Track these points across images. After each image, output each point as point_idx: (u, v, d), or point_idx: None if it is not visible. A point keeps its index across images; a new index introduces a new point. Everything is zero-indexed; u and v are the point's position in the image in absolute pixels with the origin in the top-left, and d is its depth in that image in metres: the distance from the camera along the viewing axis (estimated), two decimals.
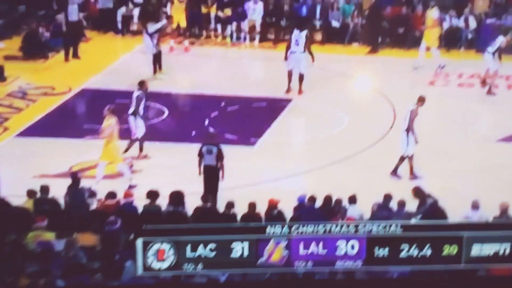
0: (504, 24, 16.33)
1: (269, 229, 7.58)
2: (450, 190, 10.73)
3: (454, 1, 17.62)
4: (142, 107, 11.75)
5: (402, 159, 11.41)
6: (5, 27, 17.20)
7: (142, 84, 11.90)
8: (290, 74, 14.34)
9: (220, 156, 10.61)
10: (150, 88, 12.35)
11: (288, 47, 14.33)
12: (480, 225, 8.28)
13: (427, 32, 15.57)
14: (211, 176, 10.64)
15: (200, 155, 10.69)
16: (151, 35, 15.04)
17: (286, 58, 14.34)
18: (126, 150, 11.80)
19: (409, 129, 11.25)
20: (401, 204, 9.48)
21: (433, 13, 15.62)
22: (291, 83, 14.39)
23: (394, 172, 11.48)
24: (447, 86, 15.19)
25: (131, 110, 11.78)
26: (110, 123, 10.97)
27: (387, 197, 9.54)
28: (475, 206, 9.50)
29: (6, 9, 17.67)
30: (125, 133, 11.79)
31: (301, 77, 14.34)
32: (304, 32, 14.22)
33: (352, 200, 9.65)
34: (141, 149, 11.96)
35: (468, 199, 9.69)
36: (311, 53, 14.38)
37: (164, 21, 15.51)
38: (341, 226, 7.68)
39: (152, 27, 15.19)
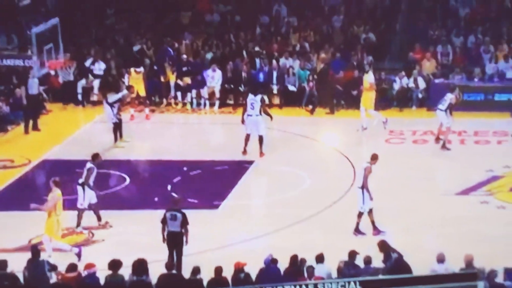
0: (452, 82, 16.83)
1: None
2: (414, 245, 10.59)
3: (403, 63, 18.16)
4: (92, 179, 11.52)
5: (360, 215, 11.36)
6: None
7: (95, 157, 11.73)
8: (247, 137, 14.37)
9: (184, 222, 10.31)
10: (111, 156, 12.11)
11: (244, 111, 14.42)
12: (439, 278, 8.11)
13: (364, 95, 15.81)
14: (176, 242, 10.29)
15: (164, 221, 10.37)
16: (111, 105, 14.97)
17: (243, 122, 14.40)
18: (78, 223, 11.49)
19: (363, 186, 11.27)
20: (367, 260, 9.29)
21: (368, 77, 15.91)
22: (247, 146, 14.38)
23: (357, 229, 11.37)
24: (402, 144, 15.38)
25: (80, 181, 11.55)
26: (53, 195, 10.60)
27: (352, 254, 9.34)
28: (440, 259, 9.35)
29: None
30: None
31: (260, 139, 14.34)
32: (259, 96, 14.37)
33: (319, 259, 9.41)
34: (98, 219, 11.63)
35: (432, 253, 9.56)
36: (268, 114, 14.50)
37: (124, 91, 15.47)
38: (300, 287, 7.43)
39: (112, 97, 15.13)
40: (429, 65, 18.01)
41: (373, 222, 11.34)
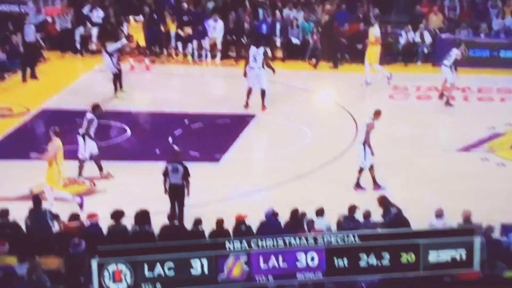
0: (458, 37, 16.80)
1: (228, 245, 7.48)
2: (414, 200, 10.83)
3: (410, 17, 18.04)
4: (93, 130, 11.59)
5: (360, 171, 11.56)
6: None
7: (95, 107, 11.75)
8: (249, 91, 14.43)
9: (186, 174, 10.50)
10: (112, 107, 12.14)
11: (246, 64, 14.42)
12: (436, 232, 8.38)
13: (369, 49, 15.81)
14: (177, 194, 10.50)
15: (166, 173, 10.55)
16: (110, 54, 14.92)
17: (245, 75, 14.41)
18: (80, 173, 11.63)
19: (365, 142, 11.43)
20: (367, 214, 9.55)
21: (374, 31, 15.89)
22: (249, 99, 14.45)
23: (357, 185, 11.60)
24: (406, 99, 15.47)
25: (81, 131, 11.61)
26: (53, 145, 10.73)
27: (352, 208, 9.59)
28: (439, 214, 9.63)
29: None
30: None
31: (262, 93, 14.41)
32: (261, 49, 14.36)
33: (319, 212, 9.67)
34: (100, 169, 11.78)
35: (431, 208, 9.83)
36: (270, 67, 14.51)
37: (123, 40, 15.41)
38: (300, 239, 7.67)
39: (111, 46, 15.06)
40: (435, 19, 17.96)
41: (373, 178, 11.57)
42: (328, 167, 12.27)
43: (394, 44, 17.50)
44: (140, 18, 17.00)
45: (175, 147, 12.53)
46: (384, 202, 9.64)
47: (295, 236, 7.88)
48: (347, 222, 9.44)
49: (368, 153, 11.44)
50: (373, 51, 15.77)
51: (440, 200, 10.54)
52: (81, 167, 11.69)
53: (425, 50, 17.41)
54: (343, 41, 17.37)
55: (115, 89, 15.10)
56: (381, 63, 16.16)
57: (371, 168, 11.54)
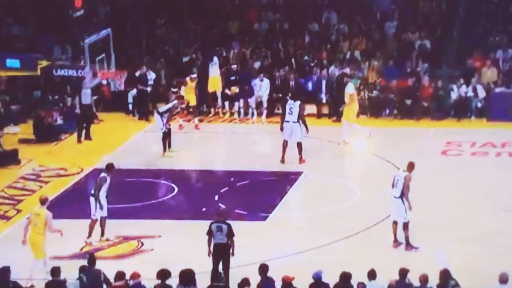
0: None
1: None
2: (471, 262, 10.38)
3: (461, 71, 17.75)
4: (104, 190, 11.54)
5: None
6: (20, 112, 17.63)
7: (109, 167, 11.78)
8: (284, 144, 14.37)
9: (230, 233, 10.41)
10: (160, 166, 12.31)
11: (283, 118, 14.42)
12: None
13: (346, 108, 15.43)
14: (222, 254, 10.39)
15: (210, 233, 10.49)
16: (161, 115, 15.27)
17: (281, 129, 14.41)
18: (90, 234, 11.56)
19: (403, 196, 11.15)
20: (424, 279, 9.08)
21: (348, 89, 15.49)
22: (285, 153, 14.38)
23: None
24: (460, 156, 15.07)
25: (92, 191, 11.63)
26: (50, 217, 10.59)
27: (403, 272, 9.23)
28: (503, 280, 8.92)
29: (22, 95, 18.19)
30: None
31: (298, 146, 14.34)
32: (298, 102, 14.35)
33: (372, 275, 9.26)
34: (102, 233, 11.62)
35: (490, 272, 9.32)
36: (305, 124, 14.38)
37: (174, 101, 15.81)
38: None
39: (162, 108, 15.44)
40: (489, 73, 17.57)
41: (407, 237, 11.19)
42: (377, 227, 11.96)
43: (446, 98, 17.22)
44: (196, 76, 17.41)
45: (220, 206, 12.58)
46: (445, 274, 9.09)
47: None
48: (401, 285, 9.08)
49: (407, 206, 11.13)
50: (349, 110, 15.31)
51: (500, 263, 10.02)
52: (91, 228, 11.51)
53: (479, 105, 17.05)
54: (391, 96, 17.32)
55: (164, 148, 15.39)
56: (432, 118, 15.89)
57: (405, 227, 11.16)
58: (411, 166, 11.40)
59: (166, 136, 15.38)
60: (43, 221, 10.57)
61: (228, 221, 10.59)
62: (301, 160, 14.34)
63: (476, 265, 10.38)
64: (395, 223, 11.33)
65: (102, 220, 11.63)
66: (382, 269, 9.49)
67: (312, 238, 11.75)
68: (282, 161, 14.39)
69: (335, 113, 17.12)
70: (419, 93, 17.34)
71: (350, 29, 19.26)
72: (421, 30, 18.86)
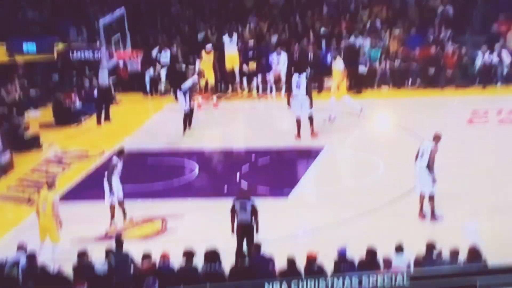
0: None
1: (267, 286, 7.21)
2: (498, 232, 10.26)
3: (486, 37, 17.35)
4: (117, 174, 11.52)
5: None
6: (39, 96, 17.72)
7: (121, 152, 11.79)
8: (298, 121, 14.17)
9: (254, 211, 10.40)
10: (181, 145, 12.22)
11: (289, 94, 14.17)
12: (495, 270, 7.76)
13: (334, 84, 15.06)
14: (246, 232, 10.39)
15: (233, 211, 10.48)
16: (184, 93, 15.15)
17: (289, 104, 14.16)
18: (112, 216, 11.58)
19: (430, 166, 11.01)
20: (454, 253, 8.87)
21: (336, 65, 15.11)
22: (300, 129, 14.19)
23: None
24: (487, 124, 14.80)
25: (106, 175, 11.62)
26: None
27: (431, 246, 9.12)
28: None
29: (40, 79, 18.26)
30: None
31: (310, 120, 14.15)
32: (304, 74, 14.15)
33: (398, 248, 9.19)
34: (124, 216, 11.62)
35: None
36: (310, 97, 14.10)
37: (194, 77, 15.70)
38: (344, 279, 7.28)
39: (184, 85, 15.30)
40: None
41: (433, 208, 11.07)
42: (402, 200, 11.81)
43: (470, 65, 16.88)
44: (210, 47, 17.26)
45: (243, 184, 12.56)
46: (473, 252, 8.76)
47: (338, 276, 7.43)
48: (428, 259, 8.97)
49: (433, 178, 10.98)
50: (339, 86, 14.91)
51: None
52: (113, 212, 11.54)
53: (505, 71, 16.73)
54: (414, 64, 17.02)
55: (184, 127, 15.38)
56: (457, 86, 15.63)
57: (432, 198, 11.05)
58: (437, 137, 11.24)
59: (188, 116, 15.27)
60: (50, 205, 10.62)
61: (251, 198, 10.57)
62: (312, 133, 14.14)
63: (505, 235, 10.22)
64: (421, 194, 11.21)
65: (120, 203, 11.66)
66: (408, 243, 9.40)
67: (336, 213, 11.67)
68: (298, 136, 14.20)
69: (356, 85, 16.91)
70: (442, 61, 17.02)
71: None
72: None
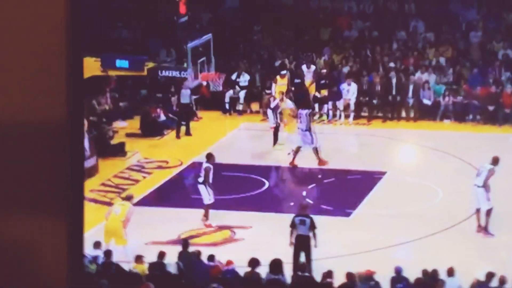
0: None
1: None
2: None
3: None
4: (210, 177, 11.76)
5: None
6: (128, 108, 18.33)
7: (209, 157, 12.04)
8: (297, 150, 14.21)
9: (312, 226, 10.39)
10: (252, 162, 12.32)
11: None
12: None
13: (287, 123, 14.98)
14: (304, 245, 10.37)
15: (293, 226, 10.50)
16: (273, 110, 15.43)
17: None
18: (206, 217, 11.76)
19: (485, 185, 10.99)
20: (502, 281, 8.67)
21: (286, 105, 15.08)
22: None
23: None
24: None
25: (200, 180, 11.84)
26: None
27: (490, 275, 8.77)
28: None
29: (129, 93, 18.91)
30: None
31: (314, 150, 14.24)
32: (305, 111, 14.30)
33: (450, 273, 9.02)
34: (206, 217, 11.82)
35: None
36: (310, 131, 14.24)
37: (277, 100, 15.81)
38: None
39: (273, 103, 15.64)
40: None
41: (487, 224, 11.04)
42: (458, 227, 11.54)
43: None
44: (285, 72, 17.45)
45: (304, 201, 12.47)
46: None
47: None
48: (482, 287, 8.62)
49: (488, 197, 10.90)
50: (290, 124, 14.81)
51: None
52: (207, 213, 11.80)
53: None
54: (475, 102, 16.61)
55: (274, 141, 15.43)
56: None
57: (488, 213, 10.95)
58: (495, 160, 11.25)
59: (276, 130, 15.46)
60: (125, 212, 10.79)
61: (310, 215, 10.49)
62: (320, 162, 14.08)
63: None
64: (478, 210, 11.16)
65: (209, 206, 11.90)
66: (463, 269, 9.08)
67: (394, 235, 11.52)
68: (292, 164, 14.13)
69: (419, 117, 16.62)
70: (501, 100, 16.56)
71: (436, 37, 18.60)
72: (505, 40, 18.01)
